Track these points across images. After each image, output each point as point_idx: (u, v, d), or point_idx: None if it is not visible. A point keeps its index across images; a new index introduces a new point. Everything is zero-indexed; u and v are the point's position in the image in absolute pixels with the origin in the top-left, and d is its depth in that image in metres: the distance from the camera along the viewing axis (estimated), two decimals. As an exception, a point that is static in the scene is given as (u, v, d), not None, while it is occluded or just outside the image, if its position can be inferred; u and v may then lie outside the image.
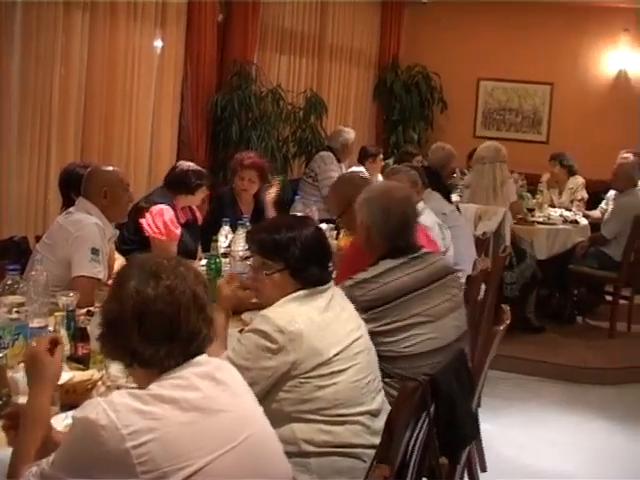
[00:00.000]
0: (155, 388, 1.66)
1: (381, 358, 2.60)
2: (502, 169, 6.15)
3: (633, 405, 5.25)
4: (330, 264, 2.49)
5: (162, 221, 4.08)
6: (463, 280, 3.54)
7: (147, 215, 4.06)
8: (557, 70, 8.97)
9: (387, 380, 2.68)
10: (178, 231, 4.13)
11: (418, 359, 2.75)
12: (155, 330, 1.69)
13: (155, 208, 4.10)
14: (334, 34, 8.24)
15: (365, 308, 2.71)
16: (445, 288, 2.92)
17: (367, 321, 2.63)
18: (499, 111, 9.25)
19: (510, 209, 6.00)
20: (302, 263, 2.40)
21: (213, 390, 1.71)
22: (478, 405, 4.54)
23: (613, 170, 6.66)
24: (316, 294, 2.41)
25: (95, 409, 1.60)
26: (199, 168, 4.52)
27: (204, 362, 1.75)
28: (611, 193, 6.95)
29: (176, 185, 4.36)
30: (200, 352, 1.75)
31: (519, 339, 6.01)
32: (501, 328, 2.88)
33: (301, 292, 2.39)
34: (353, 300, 2.62)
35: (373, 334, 2.63)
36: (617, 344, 6.26)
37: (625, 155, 7.35)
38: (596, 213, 7.29)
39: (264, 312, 2.36)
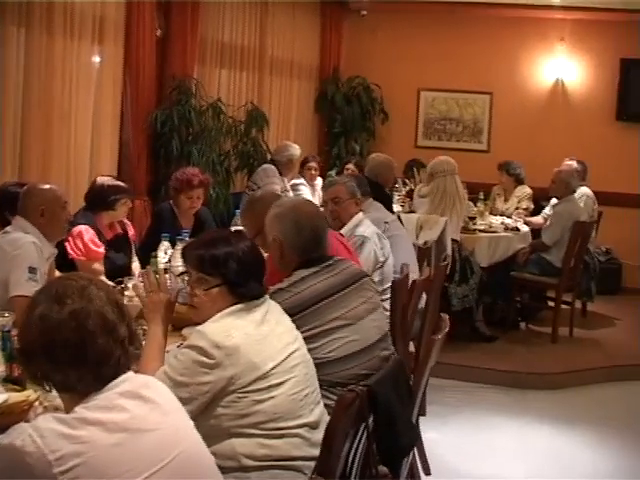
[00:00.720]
0: (81, 411, 1.65)
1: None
2: (458, 180, 6.28)
3: (576, 408, 5.36)
4: (263, 278, 2.50)
5: (82, 242, 4.13)
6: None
7: (69, 238, 4.09)
8: (496, 80, 9.11)
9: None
10: (101, 250, 4.19)
11: (343, 362, 2.76)
12: (62, 356, 1.68)
13: (75, 230, 4.14)
14: (274, 47, 8.26)
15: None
16: (361, 291, 2.96)
17: None
18: (440, 121, 9.35)
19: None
20: (240, 277, 2.40)
21: (141, 409, 1.70)
22: (423, 414, 4.66)
23: (552, 177, 6.81)
24: (252, 308, 2.42)
25: (21, 435, 1.58)
26: (116, 182, 4.53)
27: (128, 381, 1.73)
28: (554, 200, 7.09)
29: (95, 203, 4.39)
30: (118, 374, 1.73)
31: (466, 347, 6.13)
32: (439, 337, 2.93)
33: (237, 306, 2.40)
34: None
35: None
36: (559, 349, 6.40)
37: (568, 162, 7.52)
38: (539, 219, 7.42)
39: (200, 328, 2.35)
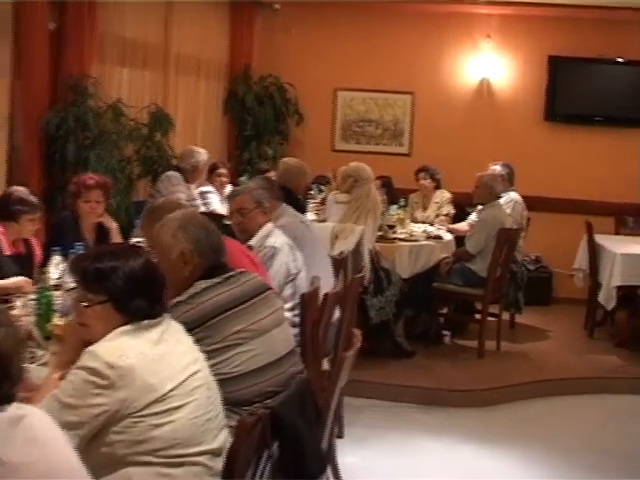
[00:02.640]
0: None
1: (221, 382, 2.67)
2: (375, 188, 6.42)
3: (503, 426, 5.50)
4: (163, 297, 2.50)
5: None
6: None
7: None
8: (418, 79, 9.28)
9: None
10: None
11: (249, 378, 2.81)
12: None
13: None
14: (180, 43, 8.20)
15: (188, 329, 2.76)
16: (267, 302, 3.04)
17: (195, 342, 2.68)
18: (358, 123, 9.47)
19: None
20: (126, 295, 2.40)
21: (21, 444, 1.74)
22: (340, 436, 4.72)
23: (475, 183, 6.99)
24: (148, 327, 2.42)
25: None
26: (27, 196, 4.51)
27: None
28: (480, 207, 7.28)
29: None
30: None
31: (386, 364, 6.23)
32: (350, 354, 2.99)
33: (131, 325, 2.40)
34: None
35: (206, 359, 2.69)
36: (486, 364, 6.55)
37: (493, 167, 7.71)
38: (464, 226, 7.60)
39: (92, 348, 2.34)
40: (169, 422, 2.31)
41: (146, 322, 2.42)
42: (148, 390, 2.30)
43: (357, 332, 3.23)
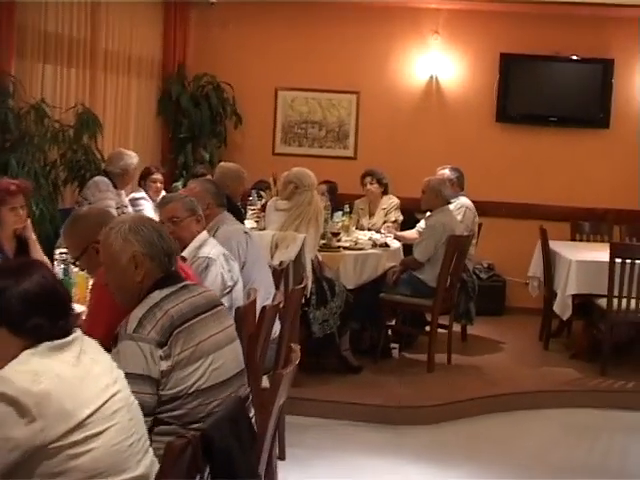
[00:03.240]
0: None
1: (174, 399, 2.73)
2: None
3: (452, 444, 5.54)
4: (69, 313, 2.43)
5: None
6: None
7: None
8: (363, 78, 9.33)
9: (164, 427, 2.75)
10: None
11: (203, 396, 2.82)
12: None
13: None
14: (109, 39, 8.10)
15: (161, 343, 2.77)
16: (220, 317, 3.05)
17: (165, 357, 2.75)
18: (300, 124, 9.48)
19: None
20: (20, 316, 2.31)
21: None
22: (282, 458, 4.71)
23: (422, 187, 7.04)
24: (60, 347, 2.34)
25: None
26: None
27: None
28: (428, 213, 7.33)
29: None
30: None
31: (331, 380, 6.26)
32: (288, 371, 2.99)
33: (43, 345, 2.31)
34: (146, 341, 2.73)
35: (171, 371, 2.76)
36: (436, 378, 6.60)
37: (441, 171, 7.77)
38: (412, 234, 7.66)
39: (0, 372, 2.24)
40: (89, 451, 2.25)
41: (59, 342, 2.34)
42: (65, 417, 2.22)
43: (296, 347, 3.22)
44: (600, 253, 6.99)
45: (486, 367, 7.03)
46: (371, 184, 8.15)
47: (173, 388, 2.79)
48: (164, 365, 2.77)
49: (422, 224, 7.54)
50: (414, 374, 6.66)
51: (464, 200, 7.71)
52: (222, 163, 6.44)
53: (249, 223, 6.80)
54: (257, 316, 4.03)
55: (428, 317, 7.08)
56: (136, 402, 2.51)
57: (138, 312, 2.86)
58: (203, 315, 2.96)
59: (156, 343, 2.76)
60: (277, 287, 5.11)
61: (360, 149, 9.44)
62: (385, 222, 7.89)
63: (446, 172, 7.74)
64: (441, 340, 6.89)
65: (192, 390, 2.80)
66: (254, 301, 4.05)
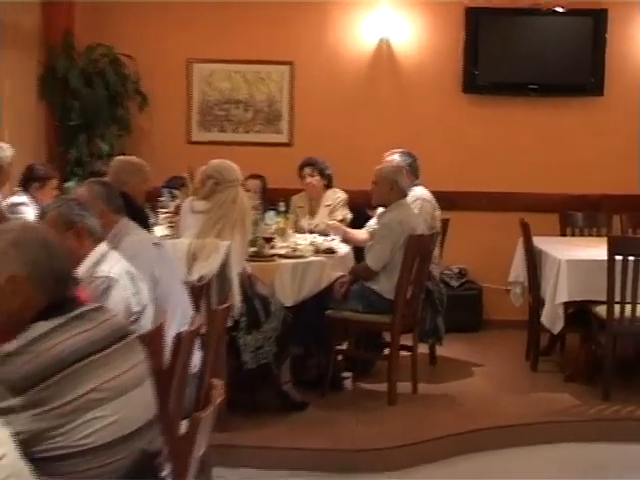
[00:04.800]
0: None
1: (49, 459, 2.65)
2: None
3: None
4: None
5: None
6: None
7: None
8: (297, 44, 9.37)
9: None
10: None
11: (101, 453, 2.74)
12: None
13: None
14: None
15: (20, 389, 2.71)
16: (128, 352, 2.97)
17: (26, 407, 2.63)
18: (222, 105, 9.47)
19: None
20: None
21: None
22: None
23: (373, 178, 7.08)
24: None
25: None
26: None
27: None
28: (381, 209, 7.37)
29: None
30: None
31: (269, 421, 6.27)
32: (207, 413, 3.02)
33: None
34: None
35: (52, 427, 2.66)
36: (399, 413, 6.63)
37: (389, 157, 7.82)
38: (362, 235, 7.69)
39: None
40: None
41: None
42: None
43: (217, 383, 3.25)
44: (596, 250, 7.11)
45: (461, 396, 7.09)
46: (311, 176, 8.20)
47: (55, 447, 2.74)
48: (29, 420, 2.69)
49: (374, 223, 7.59)
50: (372, 409, 6.68)
51: (420, 191, 7.71)
52: (117, 157, 6.42)
53: (160, 230, 6.80)
54: (172, 346, 4.03)
55: (387, 337, 7.12)
56: (25, 468, 2.49)
57: (9, 347, 2.80)
58: (105, 351, 2.91)
59: (14, 390, 2.67)
60: (196, 308, 5.13)
61: (296, 133, 9.49)
62: (330, 222, 7.90)
63: (396, 158, 7.77)
64: (404, 365, 6.93)
65: (78, 450, 2.76)
66: (162, 326, 4.05)
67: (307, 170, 8.22)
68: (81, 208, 4.43)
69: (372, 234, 7.44)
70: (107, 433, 2.78)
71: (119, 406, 2.84)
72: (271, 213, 7.30)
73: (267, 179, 8.44)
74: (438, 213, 7.82)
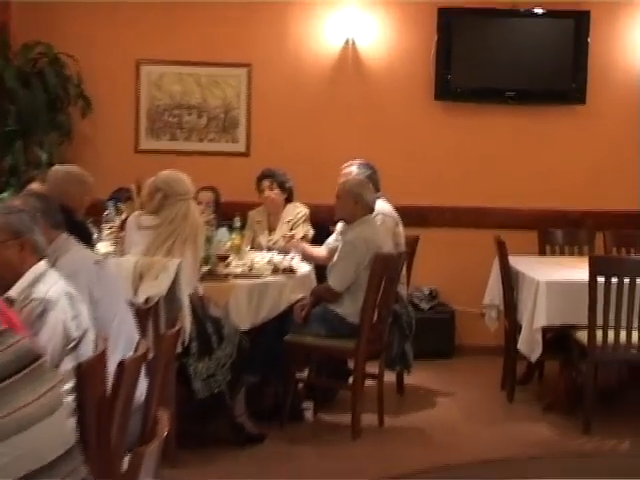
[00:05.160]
0: None
1: None
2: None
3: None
4: None
5: None
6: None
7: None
8: (256, 45, 9.36)
9: None
10: None
11: None
12: None
13: None
14: None
15: None
16: (37, 379, 2.95)
17: None
18: (172, 110, 9.44)
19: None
20: None
21: None
22: None
23: (336, 191, 7.12)
24: None
25: None
26: None
27: None
28: (340, 225, 7.40)
29: None
30: None
31: (220, 456, 6.25)
32: (151, 448, 3.00)
33: None
34: None
35: None
36: (364, 447, 6.64)
37: (347, 169, 7.83)
38: (321, 252, 7.70)
39: None
40: None
41: None
42: None
43: (165, 413, 3.24)
44: (577, 270, 7.15)
45: (431, 429, 7.12)
46: (270, 189, 8.21)
47: None
48: None
49: (333, 239, 7.65)
50: (335, 442, 6.69)
51: (380, 205, 7.63)
52: (56, 166, 6.41)
53: (104, 247, 6.80)
54: (115, 374, 4.02)
55: (351, 364, 7.12)
56: None
57: None
58: (8, 381, 2.88)
59: None
60: (143, 333, 5.12)
61: (254, 142, 9.48)
62: (290, 239, 7.87)
63: (353, 170, 7.78)
64: (370, 395, 6.97)
65: None
66: (104, 353, 4.05)
67: (266, 182, 8.22)
68: (32, 220, 4.43)
69: (331, 251, 7.47)
70: (10, 470, 2.76)
71: (22, 441, 2.81)
72: (223, 229, 7.30)
73: (221, 192, 8.38)
74: (400, 229, 7.77)
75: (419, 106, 9.42)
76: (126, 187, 7.71)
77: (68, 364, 4.08)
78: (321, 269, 7.45)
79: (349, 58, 9.42)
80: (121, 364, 3.97)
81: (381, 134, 9.25)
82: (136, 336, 4.96)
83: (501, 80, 9.34)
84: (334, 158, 8.58)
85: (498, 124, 9.42)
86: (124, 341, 4.70)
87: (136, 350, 4.39)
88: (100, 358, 3.96)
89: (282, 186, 8.23)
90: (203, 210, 7.40)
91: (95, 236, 6.65)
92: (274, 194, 8.22)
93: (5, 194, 7.85)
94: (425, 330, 8.01)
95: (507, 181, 9.35)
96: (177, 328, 4.90)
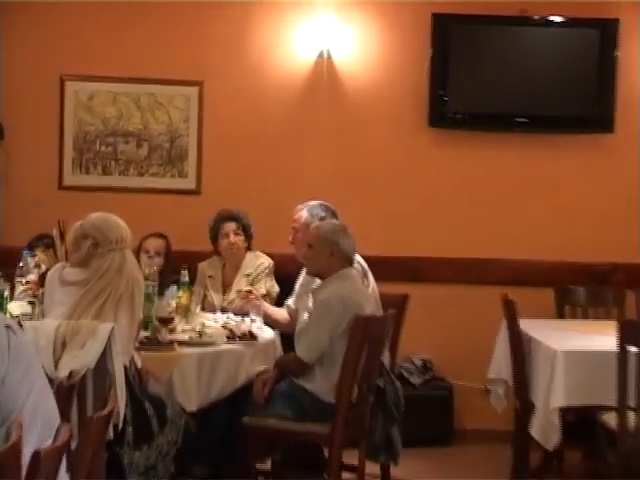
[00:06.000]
0: None
1: None
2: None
3: None
4: None
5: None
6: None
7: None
8: (209, 58, 9.40)
9: None
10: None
11: None
12: None
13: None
14: None
15: None
16: None
17: None
18: (106, 137, 9.41)
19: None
20: None
21: None
22: None
23: (307, 239, 7.09)
24: None
25: None
26: None
27: None
28: (303, 277, 7.43)
29: None
30: None
31: None
32: None
33: None
34: None
35: None
36: None
37: (297, 214, 7.82)
38: (280, 314, 7.75)
39: None
40: None
41: None
42: None
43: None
44: (604, 337, 7.13)
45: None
46: (236, 234, 8.22)
47: None
48: None
49: (292, 298, 7.70)
50: None
51: None
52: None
53: (18, 307, 6.76)
54: (28, 468, 3.97)
55: (325, 453, 7.11)
56: None
57: None
58: None
59: None
60: (64, 416, 5.05)
61: (206, 177, 9.50)
62: (249, 295, 7.85)
63: (303, 214, 7.80)
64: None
65: None
66: (18, 443, 3.99)
67: (230, 226, 8.23)
68: None
69: (292, 313, 7.53)
70: None
71: None
72: (174, 287, 7.28)
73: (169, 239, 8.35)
74: (370, 282, 7.70)
75: (409, 134, 9.45)
76: (46, 233, 7.68)
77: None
78: (287, 335, 7.41)
79: (324, 74, 9.43)
80: (36, 455, 3.92)
81: (361, 168, 9.29)
82: (56, 419, 4.90)
83: (509, 103, 9.38)
84: (302, 197, 8.41)
85: (506, 157, 9.45)
86: (40, 426, 4.62)
87: (56, 437, 4.34)
88: (12, 450, 3.89)
89: (247, 231, 8.23)
90: (146, 263, 7.39)
91: (6, 294, 6.61)
92: (240, 241, 8.24)
93: None
94: (416, 411, 7.98)
95: (517, 227, 9.38)
96: (108, 409, 4.85)
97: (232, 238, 8.24)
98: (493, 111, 9.38)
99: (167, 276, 7.55)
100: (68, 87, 9.45)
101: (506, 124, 9.36)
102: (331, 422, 6.69)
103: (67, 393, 5.27)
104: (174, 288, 7.29)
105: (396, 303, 7.82)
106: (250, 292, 7.83)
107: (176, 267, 7.77)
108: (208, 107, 9.47)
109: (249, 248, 8.30)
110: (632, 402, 6.69)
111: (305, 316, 7.13)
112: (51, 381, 5.22)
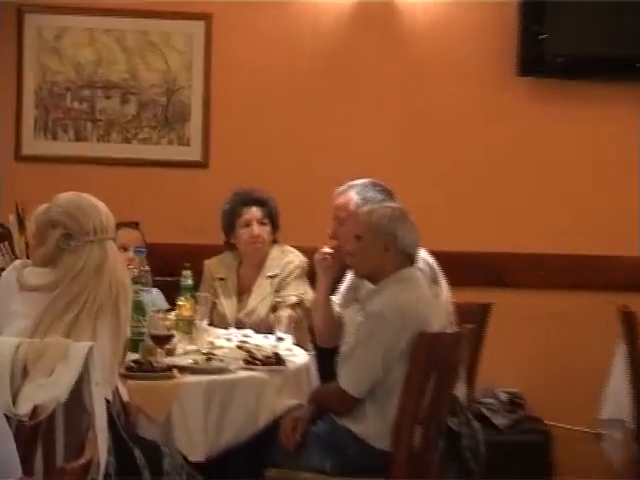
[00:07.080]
0: None
1: None
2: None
3: None
4: None
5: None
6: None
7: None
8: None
9: None
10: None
11: None
12: None
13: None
14: None
15: None
16: None
17: None
18: (79, 90, 9.44)
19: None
20: None
21: None
22: None
23: (355, 230, 7.07)
24: None
25: None
26: None
27: None
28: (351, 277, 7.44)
29: None
30: None
31: None
32: None
33: None
34: None
35: None
36: None
37: (341, 198, 7.75)
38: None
39: None
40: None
41: None
42: None
43: None
44: None
45: None
46: (261, 224, 8.23)
47: None
48: None
49: (337, 300, 7.66)
50: None
51: None
52: None
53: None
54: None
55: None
56: None
57: None
58: None
59: None
60: (26, 466, 5.10)
61: (215, 145, 9.57)
62: (276, 306, 7.89)
63: (352, 196, 7.72)
64: None
65: None
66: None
67: (253, 212, 8.24)
68: None
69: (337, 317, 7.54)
70: None
71: None
72: (154, 291, 7.30)
73: (161, 227, 8.35)
74: (441, 289, 7.62)
75: (492, 88, 9.49)
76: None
77: None
78: (325, 356, 7.42)
79: (375, 11, 9.47)
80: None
81: (427, 136, 9.31)
82: (14, 471, 4.95)
83: (628, 43, 9.36)
84: (345, 175, 8.30)
85: (625, 114, 9.41)
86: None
87: (15, 495, 4.40)
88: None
89: (273, 221, 8.26)
90: (134, 262, 7.40)
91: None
92: (265, 232, 8.24)
93: None
94: (502, 461, 7.99)
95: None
96: (86, 459, 4.89)
97: (256, 229, 8.20)
98: (603, 53, 9.38)
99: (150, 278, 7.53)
100: (28, 21, 9.49)
101: (624, 70, 9.35)
102: (386, 476, 6.74)
103: (30, 436, 5.30)
104: (154, 292, 7.31)
105: (474, 316, 7.83)
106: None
107: (174, 266, 7.79)
108: (218, 49, 9.51)
109: (274, 241, 8.29)
110: None
111: (352, 333, 7.13)
112: (8, 419, 5.26)
